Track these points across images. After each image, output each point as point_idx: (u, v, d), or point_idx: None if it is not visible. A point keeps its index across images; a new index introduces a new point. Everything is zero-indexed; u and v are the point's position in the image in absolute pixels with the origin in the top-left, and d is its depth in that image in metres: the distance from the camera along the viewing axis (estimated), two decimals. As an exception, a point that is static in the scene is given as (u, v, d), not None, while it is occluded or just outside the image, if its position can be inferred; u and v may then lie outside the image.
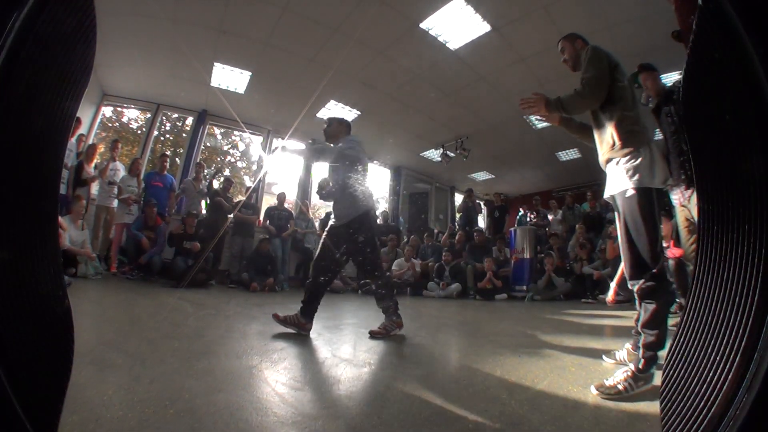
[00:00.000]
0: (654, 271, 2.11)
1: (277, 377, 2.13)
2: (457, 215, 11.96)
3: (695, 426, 0.88)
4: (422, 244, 9.60)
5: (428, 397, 1.91)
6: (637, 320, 2.31)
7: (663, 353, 1.92)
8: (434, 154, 11.46)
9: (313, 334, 3.30)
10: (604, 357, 2.70)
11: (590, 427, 1.65)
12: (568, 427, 1.64)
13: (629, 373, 2.04)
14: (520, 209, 11.06)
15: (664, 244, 4.60)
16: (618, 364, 2.52)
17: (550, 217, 9.81)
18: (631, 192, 2.18)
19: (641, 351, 2.11)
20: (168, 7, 6.10)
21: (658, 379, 1.80)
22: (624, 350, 2.62)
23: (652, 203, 2.17)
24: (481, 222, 12.20)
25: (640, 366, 2.05)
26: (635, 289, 2.20)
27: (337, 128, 3.76)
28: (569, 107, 2.33)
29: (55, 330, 0.92)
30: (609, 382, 2.01)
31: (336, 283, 7.34)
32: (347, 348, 2.99)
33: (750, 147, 0.81)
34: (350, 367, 2.40)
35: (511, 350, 2.95)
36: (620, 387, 1.98)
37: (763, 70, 0.75)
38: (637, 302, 2.24)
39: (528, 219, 10.10)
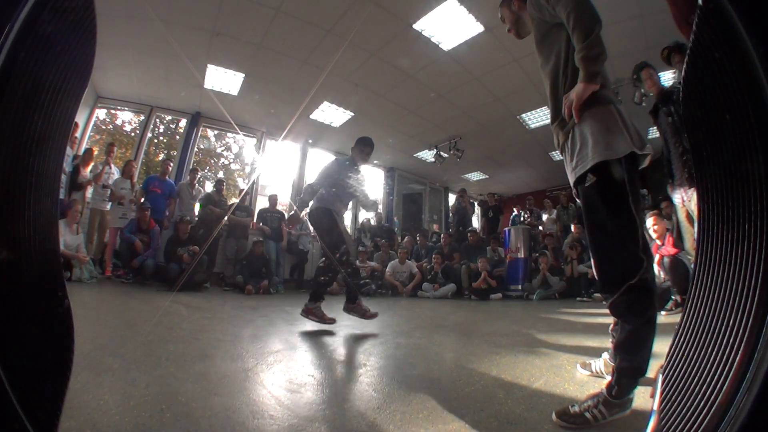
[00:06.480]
0: (632, 282, 1.60)
1: (273, 380, 2.12)
2: (451, 215, 11.99)
3: (695, 426, 0.88)
4: (416, 244, 9.61)
5: (424, 398, 1.91)
6: (615, 328, 1.91)
7: (664, 349, 1.41)
8: (428, 155, 11.49)
9: (308, 336, 3.29)
10: (579, 367, 2.37)
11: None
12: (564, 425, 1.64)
13: (600, 399, 1.66)
14: (514, 209, 11.09)
15: (658, 243, 4.62)
16: (594, 376, 2.24)
17: (544, 216, 9.85)
18: (590, 177, 1.69)
19: (614, 376, 1.67)
20: (161, 8, 6.08)
21: (645, 399, 1.73)
22: (601, 360, 2.25)
23: (621, 184, 1.64)
24: (476, 222, 12.25)
25: (614, 393, 1.64)
26: (607, 304, 1.73)
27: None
28: (596, 53, 1.66)
29: (55, 330, 0.92)
30: (574, 409, 1.66)
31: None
32: (343, 349, 2.99)
33: (750, 147, 0.81)
34: (346, 369, 2.40)
35: (507, 349, 2.96)
36: (588, 416, 1.62)
37: (763, 70, 0.75)
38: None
39: (522, 219, 10.13)
